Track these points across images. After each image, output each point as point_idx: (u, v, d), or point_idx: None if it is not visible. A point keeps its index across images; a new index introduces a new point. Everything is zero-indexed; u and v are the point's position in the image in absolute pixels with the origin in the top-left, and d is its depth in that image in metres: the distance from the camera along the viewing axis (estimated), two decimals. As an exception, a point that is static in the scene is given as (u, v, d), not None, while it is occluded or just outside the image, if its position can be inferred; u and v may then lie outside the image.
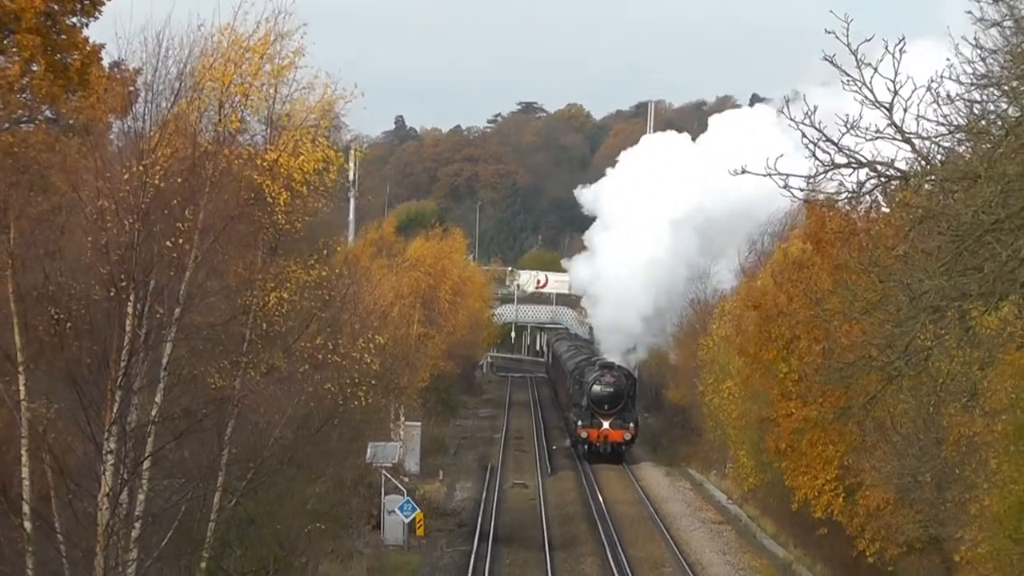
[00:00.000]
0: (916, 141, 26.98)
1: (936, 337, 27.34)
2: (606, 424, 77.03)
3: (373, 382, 38.54)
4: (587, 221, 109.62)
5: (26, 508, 21.98)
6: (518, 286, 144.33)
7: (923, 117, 26.66)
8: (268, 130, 38.48)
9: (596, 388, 77.78)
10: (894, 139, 26.87)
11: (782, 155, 28.20)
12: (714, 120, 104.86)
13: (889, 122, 26.51)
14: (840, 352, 33.45)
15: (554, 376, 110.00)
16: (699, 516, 62.96)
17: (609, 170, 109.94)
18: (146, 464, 22.88)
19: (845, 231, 38.73)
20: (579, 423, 77.92)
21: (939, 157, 27.67)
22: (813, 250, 40.37)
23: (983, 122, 27.56)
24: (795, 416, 40.42)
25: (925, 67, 26.74)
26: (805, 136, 27.51)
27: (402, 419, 63.14)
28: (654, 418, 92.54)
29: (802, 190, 27.87)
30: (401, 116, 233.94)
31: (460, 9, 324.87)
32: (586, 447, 77.65)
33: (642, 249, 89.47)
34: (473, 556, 51.03)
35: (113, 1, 33.81)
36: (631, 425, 77.78)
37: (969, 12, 26.04)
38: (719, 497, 66.92)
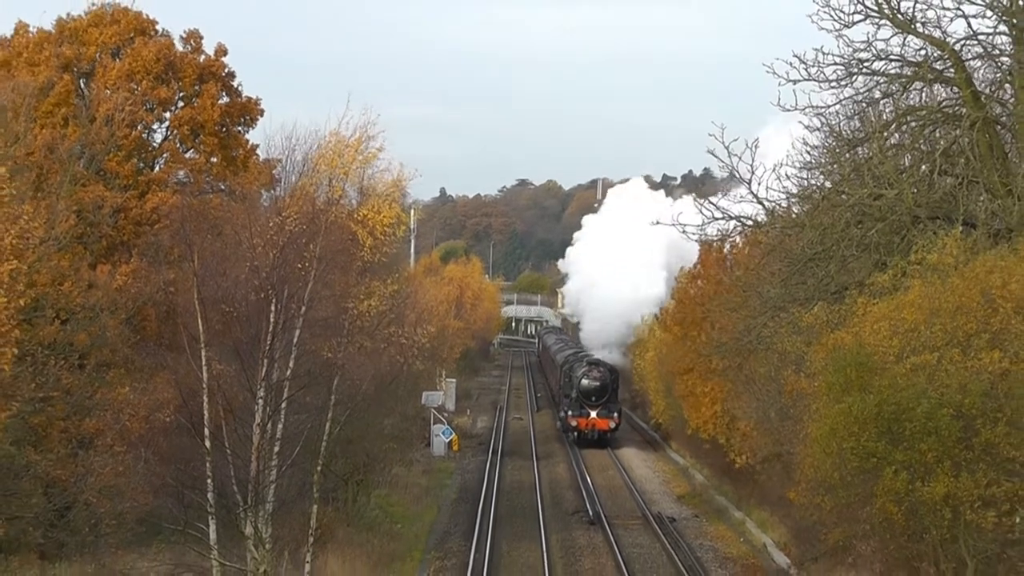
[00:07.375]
0: (766, 203, 26.90)
1: (775, 329, 27.21)
2: (593, 414, 59.12)
3: (425, 354, 38.39)
4: (559, 255, 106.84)
5: (207, 432, 21.78)
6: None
7: (771, 188, 26.57)
8: (360, 196, 38.42)
9: (584, 382, 59.10)
10: (752, 202, 26.78)
11: (681, 212, 28.06)
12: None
13: (749, 191, 26.43)
14: (718, 335, 33.33)
15: (543, 360, 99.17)
16: (630, 438, 62.62)
17: (576, 233, 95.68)
18: (283, 405, 22.67)
19: (720, 259, 38.64)
20: (569, 413, 59.29)
21: (780, 213, 27.59)
22: (704, 271, 40.32)
23: (808, 191, 27.50)
24: (692, 371, 40.19)
25: (774, 154, 26.65)
26: (696, 200, 27.40)
27: (444, 377, 62.87)
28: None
29: (695, 234, 27.84)
30: (443, 187, 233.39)
31: (480, 118, 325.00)
32: (575, 434, 58.60)
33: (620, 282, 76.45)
34: (488, 463, 50.74)
35: (264, 117, 33.85)
36: (615, 415, 59.21)
37: (800, 121, 25.99)
38: (643, 426, 66.59)
